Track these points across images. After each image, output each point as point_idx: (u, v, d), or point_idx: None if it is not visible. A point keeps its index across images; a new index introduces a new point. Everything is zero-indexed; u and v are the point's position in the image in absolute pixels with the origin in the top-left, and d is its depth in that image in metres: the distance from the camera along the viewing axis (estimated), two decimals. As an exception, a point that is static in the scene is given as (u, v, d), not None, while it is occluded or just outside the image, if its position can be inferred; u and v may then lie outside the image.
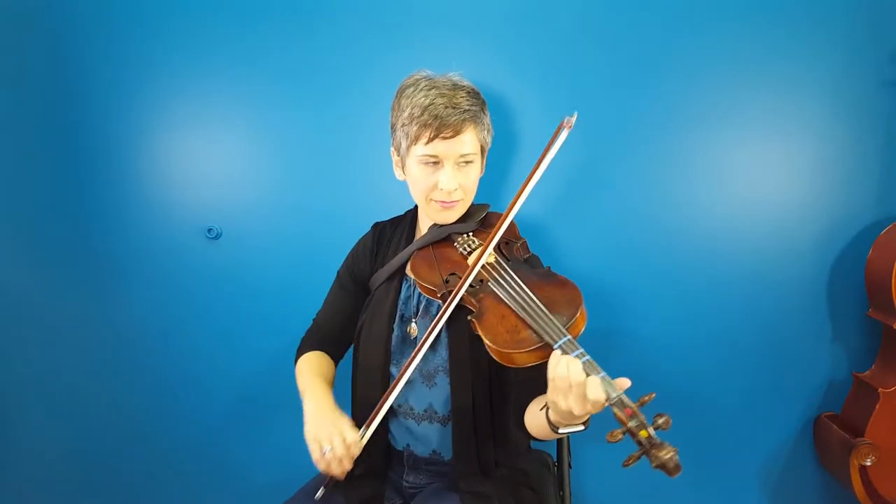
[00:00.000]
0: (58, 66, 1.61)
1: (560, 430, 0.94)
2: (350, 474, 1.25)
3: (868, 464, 1.42)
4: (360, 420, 1.14)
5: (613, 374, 0.84)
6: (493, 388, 1.18)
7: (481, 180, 1.25)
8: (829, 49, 1.51)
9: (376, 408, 1.10)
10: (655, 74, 1.53)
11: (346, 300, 1.33)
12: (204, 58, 1.59)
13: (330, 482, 1.14)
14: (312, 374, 1.25)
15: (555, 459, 1.43)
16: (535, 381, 1.13)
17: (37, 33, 1.60)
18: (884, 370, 1.50)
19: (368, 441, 1.21)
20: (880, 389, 1.45)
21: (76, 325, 1.69)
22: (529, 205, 1.54)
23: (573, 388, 0.83)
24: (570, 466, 1.38)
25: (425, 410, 1.21)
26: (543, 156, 1.06)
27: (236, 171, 1.63)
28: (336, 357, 1.36)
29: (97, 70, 1.60)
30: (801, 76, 1.52)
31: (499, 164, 1.54)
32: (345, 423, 1.09)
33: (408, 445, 1.25)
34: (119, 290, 1.67)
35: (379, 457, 1.23)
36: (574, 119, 1.06)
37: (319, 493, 1.15)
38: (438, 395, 1.20)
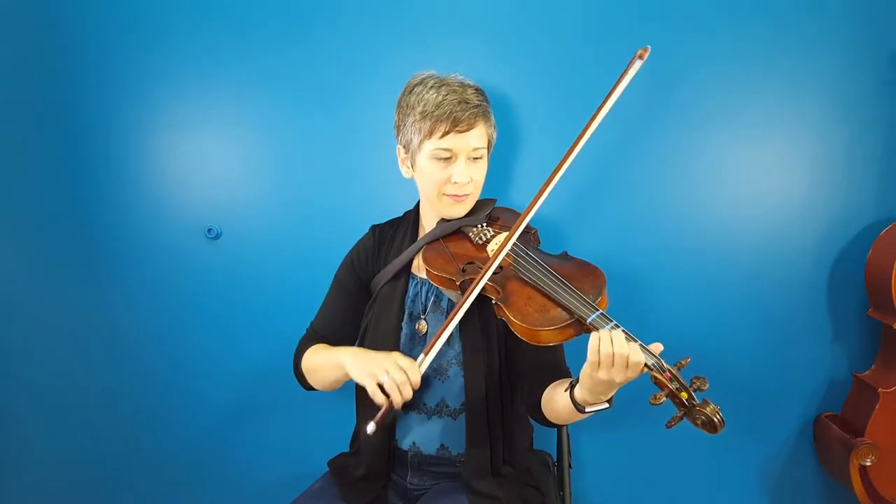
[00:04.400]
0: (58, 66, 1.60)
1: (587, 410, 0.97)
2: (351, 476, 1.25)
3: (868, 464, 1.42)
4: (364, 420, 1.12)
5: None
6: (503, 381, 1.20)
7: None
8: (829, 49, 1.51)
9: (436, 334, 1.05)
10: (655, 75, 1.52)
11: (347, 303, 1.32)
12: (204, 57, 1.58)
13: (386, 415, 1.01)
14: (329, 347, 1.23)
15: (555, 459, 1.43)
16: (552, 368, 1.15)
17: (37, 33, 1.60)
18: (884, 370, 1.50)
19: (369, 444, 1.21)
20: (880, 389, 1.45)
21: (76, 325, 1.69)
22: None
23: (617, 358, 0.86)
24: (570, 466, 1.38)
25: (437, 405, 1.22)
26: (616, 86, 1.12)
27: (236, 171, 1.63)
28: None
29: (97, 70, 1.60)
30: (801, 76, 1.52)
31: (502, 163, 1.54)
32: (394, 353, 1.07)
33: (413, 444, 1.24)
34: (119, 290, 1.67)
35: (382, 458, 1.23)
36: (648, 52, 1.13)
37: (371, 427, 0.99)
38: (451, 387, 1.21)
